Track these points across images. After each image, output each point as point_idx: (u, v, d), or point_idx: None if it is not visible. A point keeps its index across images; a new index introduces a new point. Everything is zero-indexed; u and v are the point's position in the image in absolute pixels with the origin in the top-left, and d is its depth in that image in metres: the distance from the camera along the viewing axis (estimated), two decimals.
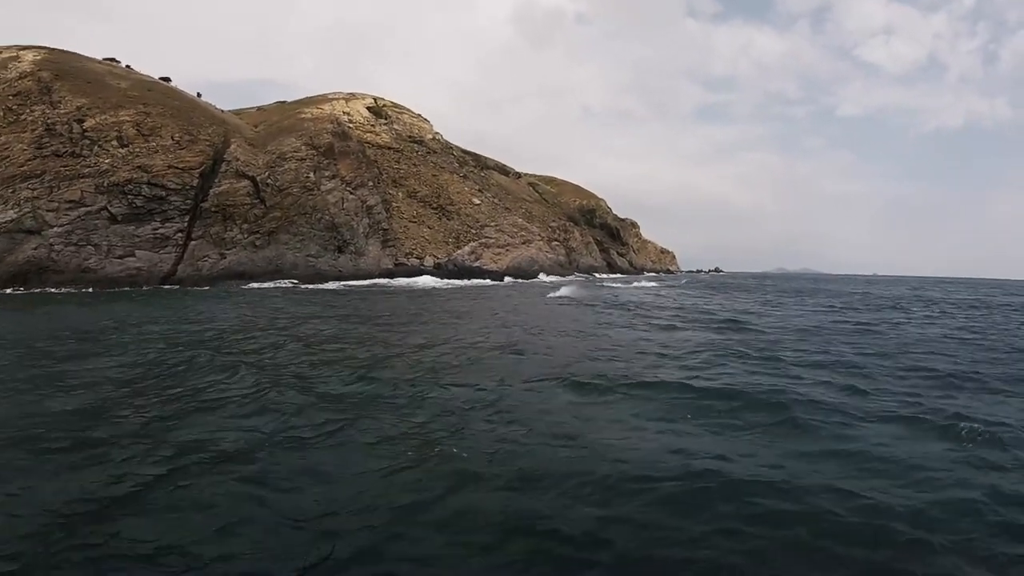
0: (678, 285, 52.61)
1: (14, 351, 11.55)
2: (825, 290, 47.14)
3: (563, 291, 30.02)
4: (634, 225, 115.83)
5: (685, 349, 12.65)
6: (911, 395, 8.82)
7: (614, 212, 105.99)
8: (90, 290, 33.57)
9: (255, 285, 37.87)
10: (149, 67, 51.78)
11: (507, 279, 54.62)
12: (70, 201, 36.91)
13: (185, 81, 61.72)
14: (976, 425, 6.96)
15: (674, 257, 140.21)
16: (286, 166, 45.20)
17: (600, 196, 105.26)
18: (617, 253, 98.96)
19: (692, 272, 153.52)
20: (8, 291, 31.80)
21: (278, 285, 38.85)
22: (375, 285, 41.59)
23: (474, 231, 62.13)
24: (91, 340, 12.94)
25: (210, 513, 4.45)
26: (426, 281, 45.69)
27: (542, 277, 60.69)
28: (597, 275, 78.74)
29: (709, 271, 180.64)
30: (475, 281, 50.22)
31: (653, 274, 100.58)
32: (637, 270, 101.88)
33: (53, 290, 32.86)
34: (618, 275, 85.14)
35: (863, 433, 6.91)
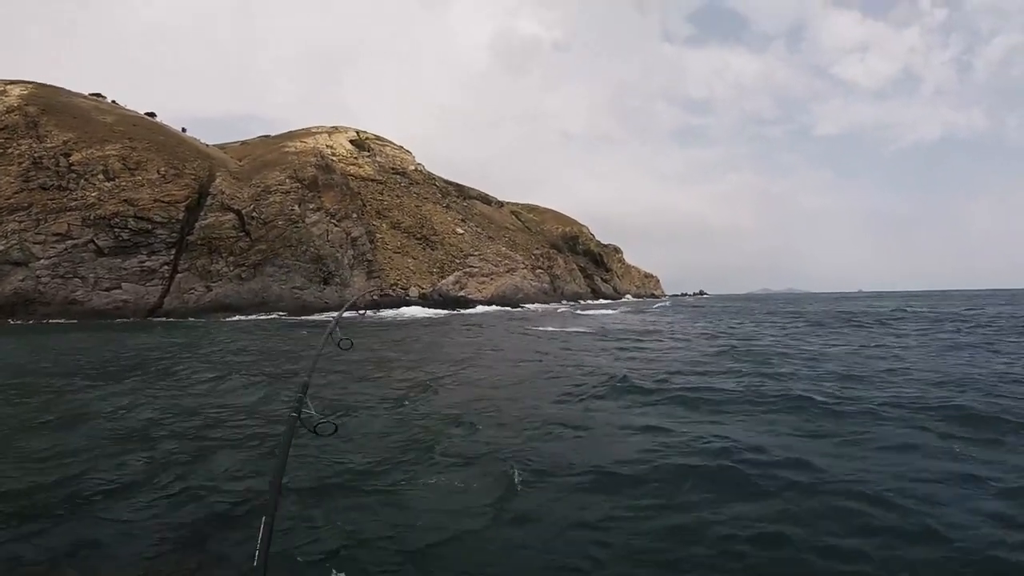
0: (665, 311, 52.83)
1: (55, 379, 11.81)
2: (818, 311, 46.83)
3: (551, 327, 29.69)
4: (617, 251, 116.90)
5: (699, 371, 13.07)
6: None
7: (597, 238, 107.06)
8: (75, 322, 33.63)
9: (240, 317, 37.81)
10: (135, 103, 52.21)
11: (493, 307, 54.93)
12: (57, 234, 37.16)
13: (170, 116, 62.23)
14: (970, 430, 7.48)
15: (658, 281, 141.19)
16: (271, 199, 45.57)
17: (582, 223, 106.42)
18: (601, 279, 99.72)
19: (677, 296, 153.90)
20: None
21: (260, 318, 38.86)
22: (363, 316, 41.68)
23: (458, 261, 62.59)
24: (116, 369, 13.25)
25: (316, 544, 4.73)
26: (413, 312, 45.89)
27: (528, 306, 61.01)
28: (582, 301, 79.25)
29: (694, 294, 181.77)
30: (461, 311, 50.49)
31: (637, 299, 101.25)
32: (621, 295, 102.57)
33: (42, 322, 32.88)
34: (602, 301, 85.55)
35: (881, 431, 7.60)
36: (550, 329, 27.57)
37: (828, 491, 5.51)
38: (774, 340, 20.71)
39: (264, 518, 1.75)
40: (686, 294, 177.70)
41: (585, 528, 4.87)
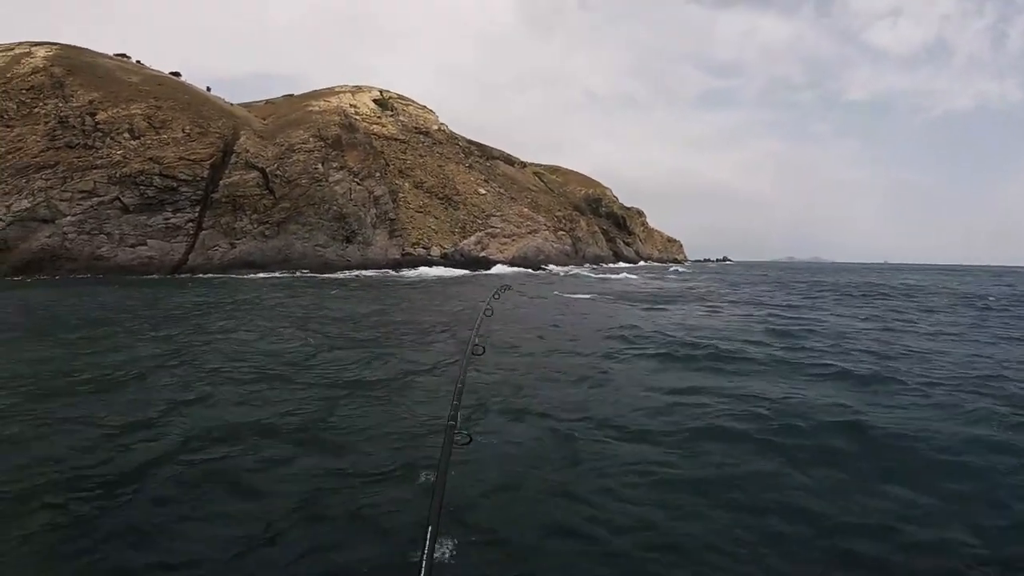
0: (686, 278, 52.20)
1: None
2: (850, 283, 44.83)
3: (581, 294, 28.82)
4: (640, 214, 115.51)
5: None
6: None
7: (620, 201, 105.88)
8: (101, 277, 34.03)
9: (263, 275, 37.90)
10: (159, 63, 52.06)
11: (512, 269, 54.70)
12: (83, 191, 37.42)
13: (195, 76, 62.00)
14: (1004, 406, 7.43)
15: (681, 246, 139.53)
16: (295, 157, 45.50)
17: (605, 185, 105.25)
18: (623, 242, 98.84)
19: (699, 261, 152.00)
20: (18, 278, 32.22)
21: (282, 276, 38.99)
22: (387, 275, 41.84)
23: (480, 221, 62.35)
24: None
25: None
26: (439, 271, 45.96)
27: (552, 268, 60.61)
28: (604, 264, 78.81)
29: (717, 260, 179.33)
30: (482, 272, 50.41)
31: (659, 264, 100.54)
32: (644, 259, 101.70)
33: (68, 277, 33.25)
34: (623, 264, 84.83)
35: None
36: (579, 297, 27.20)
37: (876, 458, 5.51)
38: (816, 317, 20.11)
39: (429, 528, 1.90)
40: (709, 260, 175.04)
41: (621, 479, 4.96)
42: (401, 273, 44.23)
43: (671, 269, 74.70)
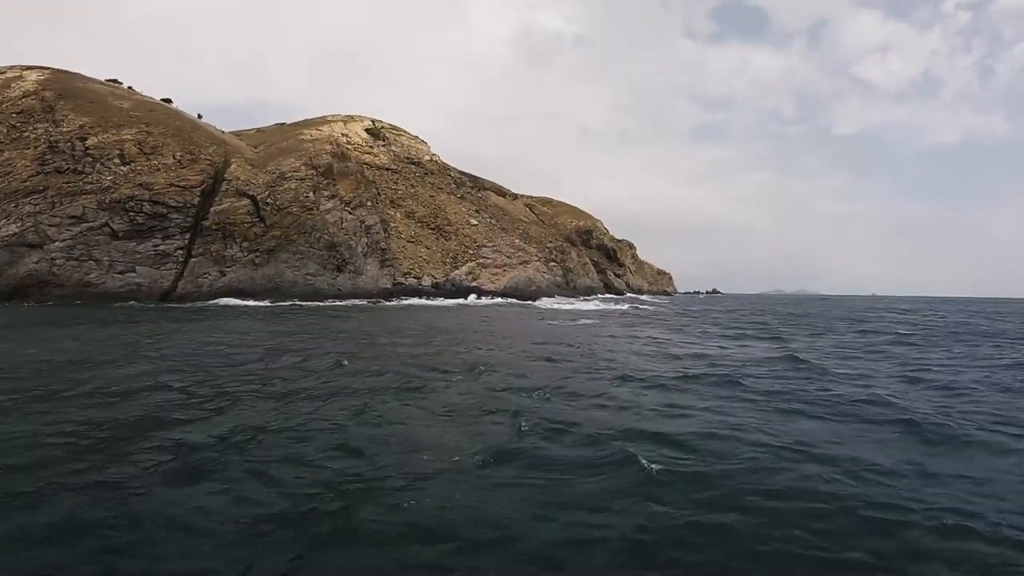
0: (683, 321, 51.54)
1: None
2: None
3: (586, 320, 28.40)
4: (631, 246, 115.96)
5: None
6: None
7: (611, 233, 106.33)
8: (79, 303, 33.57)
9: (253, 303, 37.44)
10: (150, 89, 52.12)
11: (500, 299, 54.28)
12: (72, 216, 37.19)
13: (186, 103, 62.08)
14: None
15: (671, 278, 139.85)
16: (286, 185, 45.44)
17: (597, 217, 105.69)
18: (614, 274, 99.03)
19: (689, 293, 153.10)
20: (7, 303, 31.75)
21: (268, 304, 38.58)
22: (378, 304, 41.51)
23: (471, 251, 62.27)
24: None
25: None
26: (431, 301, 45.75)
27: (544, 300, 59.16)
28: (599, 295, 78.63)
29: (707, 292, 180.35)
30: (463, 301, 50.26)
31: (647, 297, 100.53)
32: (634, 291, 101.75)
33: (46, 304, 32.80)
34: (610, 295, 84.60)
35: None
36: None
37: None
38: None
39: None
40: (699, 292, 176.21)
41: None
42: (392, 303, 43.94)
43: (641, 300, 74.97)
